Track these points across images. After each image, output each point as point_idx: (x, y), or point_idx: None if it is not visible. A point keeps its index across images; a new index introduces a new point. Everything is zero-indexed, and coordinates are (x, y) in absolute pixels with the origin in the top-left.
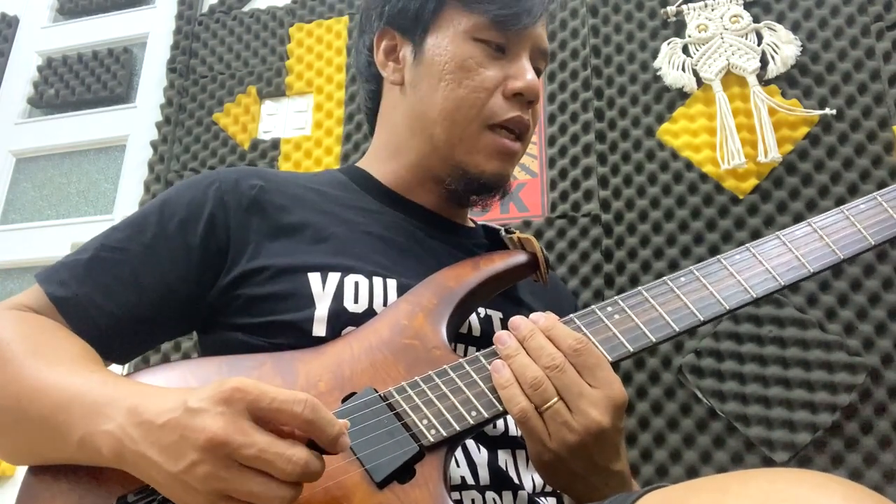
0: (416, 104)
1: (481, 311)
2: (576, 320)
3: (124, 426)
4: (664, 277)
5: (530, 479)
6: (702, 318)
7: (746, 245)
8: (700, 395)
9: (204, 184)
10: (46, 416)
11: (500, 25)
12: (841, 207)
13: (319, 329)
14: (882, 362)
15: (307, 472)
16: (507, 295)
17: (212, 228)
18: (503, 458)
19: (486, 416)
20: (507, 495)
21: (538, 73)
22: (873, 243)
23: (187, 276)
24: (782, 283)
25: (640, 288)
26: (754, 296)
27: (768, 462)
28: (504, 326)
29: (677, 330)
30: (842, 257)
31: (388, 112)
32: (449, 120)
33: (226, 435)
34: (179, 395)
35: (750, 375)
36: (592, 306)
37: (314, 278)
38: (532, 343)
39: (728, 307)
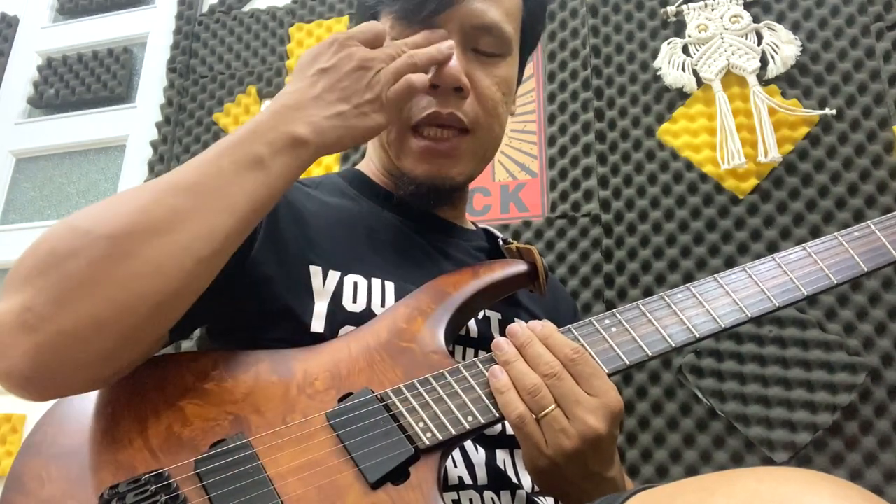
0: None
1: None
2: (573, 331)
3: (283, 111)
4: (660, 293)
5: (529, 478)
6: (697, 335)
7: (742, 266)
8: (700, 395)
9: None
10: (222, 168)
11: (406, 20)
12: (835, 234)
13: (318, 325)
14: (882, 362)
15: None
16: (506, 297)
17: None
18: (501, 457)
19: (482, 421)
20: (506, 495)
21: (480, 53)
22: (866, 270)
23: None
24: (776, 305)
25: (637, 302)
26: (749, 315)
27: (768, 462)
28: (502, 328)
29: (673, 346)
30: (835, 282)
31: None
32: None
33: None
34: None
35: (750, 375)
36: (590, 318)
37: (315, 271)
38: (530, 350)
39: (723, 325)
